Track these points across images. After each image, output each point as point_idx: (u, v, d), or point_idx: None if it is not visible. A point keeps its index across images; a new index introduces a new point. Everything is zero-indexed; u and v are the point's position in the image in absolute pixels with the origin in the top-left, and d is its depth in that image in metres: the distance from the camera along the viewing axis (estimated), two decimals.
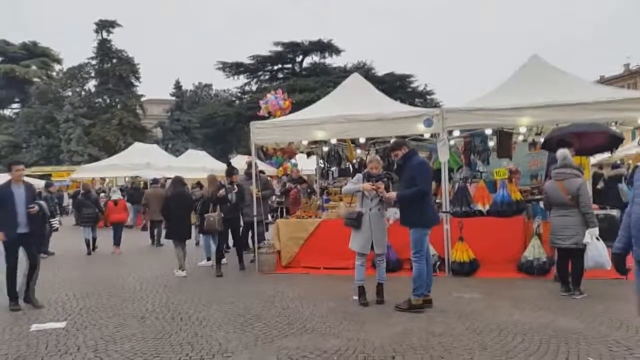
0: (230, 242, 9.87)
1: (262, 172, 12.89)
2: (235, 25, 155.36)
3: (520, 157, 9.61)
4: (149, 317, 5.81)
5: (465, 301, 6.14)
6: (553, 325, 5.04)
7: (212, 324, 5.46)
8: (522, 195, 8.02)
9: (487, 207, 7.91)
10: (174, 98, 48.20)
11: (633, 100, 7.48)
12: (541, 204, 7.36)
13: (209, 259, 9.47)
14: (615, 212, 7.27)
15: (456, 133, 8.66)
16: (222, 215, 8.51)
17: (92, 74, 45.13)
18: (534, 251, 7.30)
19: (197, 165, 21.48)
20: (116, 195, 13.15)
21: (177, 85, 47.67)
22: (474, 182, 8.69)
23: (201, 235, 10.03)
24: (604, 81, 40.02)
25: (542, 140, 8.73)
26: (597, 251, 5.93)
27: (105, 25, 42.26)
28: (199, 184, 14.34)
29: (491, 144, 9.48)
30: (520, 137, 9.92)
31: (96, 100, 44.89)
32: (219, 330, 5.22)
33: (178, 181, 9.32)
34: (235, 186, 8.91)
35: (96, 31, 42.40)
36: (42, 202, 6.75)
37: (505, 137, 9.16)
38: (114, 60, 42.92)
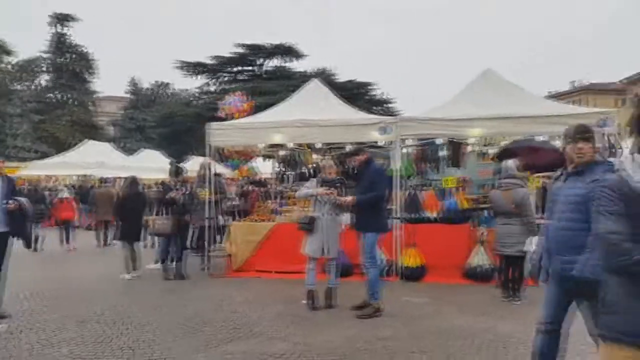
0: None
1: (218, 174, 12.72)
2: (200, 25, 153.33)
3: (471, 167, 9.89)
4: (91, 321, 5.63)
5: (413, 306, 6.26)
6: (493, 329, 5.20)
7: (155, 328, 5.34)
8: (470, 204, 8.26)
9: (437, 214, 8.11)
10: (129, 96, 47.02)
11: (578, 116, 7.85)
12: (486, 213, 7.61)
13: (157, 261, 9.26)
14: None
15: (410, 142, 8.84)
16: (171, 217, 8.26)
17: (45, 69, 43.49)
18: (479, 258, 7.53)
19: (154, 166, 21.02)
20: (64, 194, 12.95)
21: (133, 83, 46.52)
22: (425, 189, 8.88)
23: (155, 237, 9.81)
24: (552, 96, 41.79)
25: (490, 151, 9.02)
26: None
27: (60, 19, 40.78)
28: (163, 184, 14.10)
29: (443, 153, 9.71)
30: (471, 148, 10.21)
31: (48, 95, 43.23)
32: (163, 334, 5.11)
33: (134, 181, 9.11)
34: (184, 188, 8.67)
35: (51, 24, 40.92)
36: (23, 199, 5.99)
37: (456, 147, 9.40)
38: (69, 55, 41.47)
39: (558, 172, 3.29)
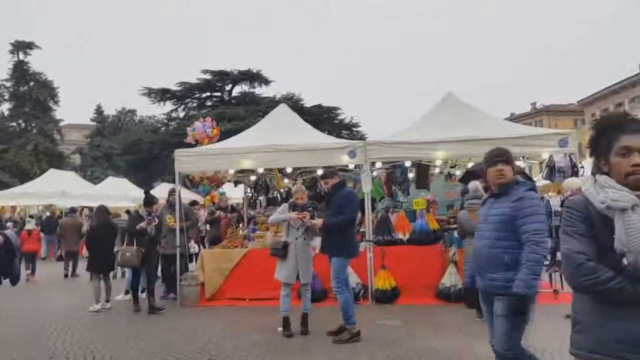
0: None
1: (195, 202, 12.58)
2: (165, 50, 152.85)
3: (438, 188, 10.13)
4: (59, 356, 5.43)
5: (387, 329, 6.28)
6: (469, 349, 5.27)
7: None
8: (439, 225, 8.42)
9: (408, 235, 8.23)
10: (94, 123, 46.28)
11: (538, 137, 8.18)
12: (456, 233, 7.75)
13: (127, 292, 9.04)
14: None
15: (378, 164, 9.00)
16: (140, 249, 7.94)
17: (7, 97, 42.43)
18: (451, 278, 7.64)
19: (118, 194, 20.66)
20: (30, 225, 12.85)
21: (99, 110, 45.93)
22: (395, 211, 9.02)
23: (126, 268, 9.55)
24: (514, 118, 43.23)
25: (457, 172, 9.24)
26: None
27: (22, 47, 40.04)
28: (128, 213, 13.79)
29: (411, 175, 9.93)
30: (437, 170, 10.46)
31: (10, 124, 42.10)
32: None
33: (103, 210, 8.91)
34: (155, 218, 8.37)
35: (12, 52, 40.10)
36: (10, 232, 5.26)
37: (423, 169, 9.65)
38: (31, 83, 40.63)
39: (485, 196, 3.43)
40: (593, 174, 2.00)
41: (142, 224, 7.98)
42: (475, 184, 6.86)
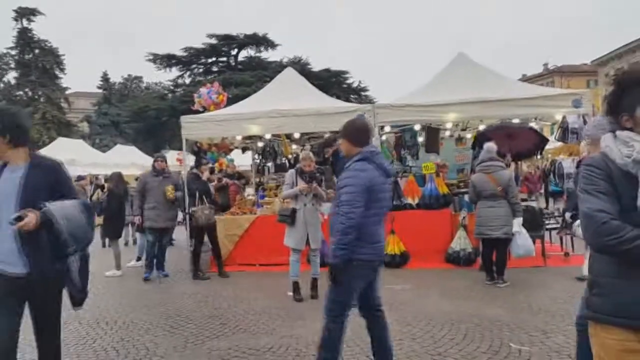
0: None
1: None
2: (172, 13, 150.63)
3: (448, 152, 9.99)
4: (72, 322, 5.51)
5: (396, 293, 6.29)
6: (478, 313, 5.26)
7: (139, 327, 5.26)
8: (449, 189, 8.33)
9: (417, 200, 8.16)
10: (101, 91, 46.08)
11: (551, 97, 7.97)
12: (466, 197, 7.67)
13: (139, 258, 9.15)
14: (534, 204, 7.73)
15: (387, 128, 8.85)
16: (212, 206, 7.91)
17: (12, 65, 42.25)
18: (460, 242, 7.61)
19: (126, 162, 20.70)
20: None
21: (105, 78, 45.64)
22: (404, 176, 8.92)
23: (138, 234, 9.66)
24: (526, 79, 42.36)
25: (468, 136, 9.07)
26: (524, 240, 6.29)
27: (25, 13, 39.56)
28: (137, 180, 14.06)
29: (420, 139, 9.78)
30: (447, 133, 10.29)
31: (17, 93, 42.06)
32: (147, 333, 5.04)
33: (119, 177, 8.98)
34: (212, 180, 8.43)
35: (15, 19, 39.66)
36: (58, 206, 2.74)
37: (432, 133, 9.48)
38: (36, 51, 40.33)
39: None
40: (612, 130, 1.89)
41: (214, 183, 8.29)
42: (490, 146, 6.70)
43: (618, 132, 1.86)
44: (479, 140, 8.08)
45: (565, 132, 7.73)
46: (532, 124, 9.26)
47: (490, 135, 7.61)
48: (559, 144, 8.86)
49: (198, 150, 11.17)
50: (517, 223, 6.32)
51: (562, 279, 6.62)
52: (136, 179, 14.30)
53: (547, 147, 13.53)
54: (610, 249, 1.76)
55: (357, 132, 3.49)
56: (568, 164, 8.07)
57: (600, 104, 7.97)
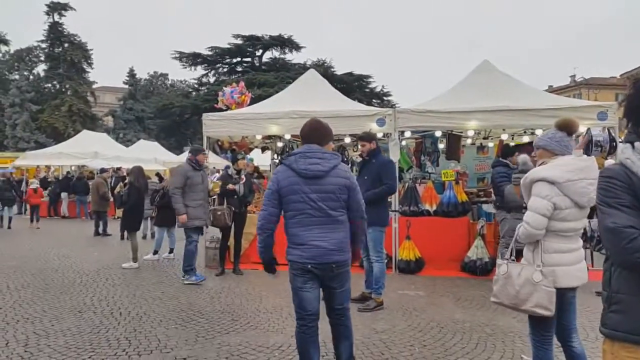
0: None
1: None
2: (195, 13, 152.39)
3: (468, 160, 9.89)
4: (87, 311, 5.61)
5: (409, 298, 6.25)
6: (491, 324, 5.19)
7: (152, 319, 5.32)
8: (468, 197, 8.24)
9: (435, 207, 8.09)
10: (127, 86, 46.84)
11: (576, 109, 7.83)
12: (484, 207, 7.58)
13: (155, 252, 9.26)
14: None
15: (408, 134, 8.80)
16: (230, 207, 7.76)
17: (42, 58, 43.23)
18: (477, 251, 7.52)
19: (148, 157, 21.01)
20: (34, 185, 15.59)
21: (131, 73, 46.37)
22: (423, 182, 8.86)
23: (156, 228, 9.79)
24: (552, 91, 41.74)
25: (490, 144, 8.97)
26: None
27: (57, 8, 40.50)
28: (158, 175, 14.50)
29: (441, 146, 9.70)
30: (469, 141, 10.19)
31: (45, 85, 43.03)
32: (159, 326, 5.09)
33: (140, 171, 9.12)
34: (244, 176, 8.09)
35: (47, 13, 40.61)
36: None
37: (454, 140, 9.40)
38: (66, 45, 41.20)
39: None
40: (630, 141, 1.82)
41: (230, 185, 7.79)
42: (524, 157, 6.62)
43: (637, 144, 1.79)
44: (504, 151, 7.95)
45: (589, 144, 7.57)
46: None
47: (528, 148, 7.49)
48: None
49: (220, 148, 11.27)
50: None
51: (580, 292, 6.46)
52: (157, 174, 14.60)
53: None
54: (637, 266, 1.69)
55: (302, 132, 3.51)
56: None
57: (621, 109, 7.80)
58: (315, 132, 3.47)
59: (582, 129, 8.04)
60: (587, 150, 7.71)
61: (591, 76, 48.48)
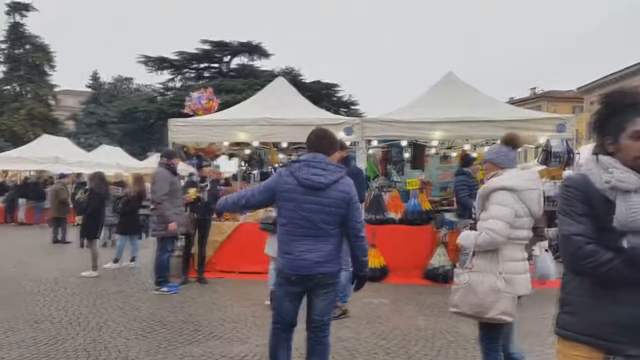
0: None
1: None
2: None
3: (432, 170, 10.07)
4: (44, 322, 5.42)
5: (374, 306, 6.30)
6: (453, 330, 5.28)
7: (112, 329, 5.19)
8: (432, 206, 8.39)
9: (400, 215, 8.20)
10: (90, 90, 45.75)
11: (537, 121, 8.11)
12: (447, 215, 7.74)
13: (116, 260, 9.04)
14: None
15: (374, 143, 8.91)
16: (193, 214, 7.60)
17: (1, 59, 41.77)
18: (440, 259, 7.65)
19: (110, 162, 20.55)
20: None
21: (95, 77, 45.37)
22: (388, 191, 8.97)
23: (118, 235, 9.56)
24: (513, 102, 42.98)
25: (453, 154, 9.16)
26: (544, 263, 6.34)
27: (18, 8, 39.23)
28: (119, 184, 14.06)
29: (406, 155, 9.86)
30: (433, 150, 10.40)
31: (4, 87, 41.53)
32: (119, 336, 4.97)
33: (101, 177, 8.90)
34: (208, 183, 7.91)
35: (8, 13, 39.30)
36: None
37: (418, 150, 9.57)
38: (27, 46, 39.91)
39: None
40: (595, 153, 1.92)
41: (193, 191, 7.59)
42: (522, 166, 6.79)
43: (600, 157, 1.89)
44: (464, 161, 8.13)
45: (548, 155, 7.84)
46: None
47: None
48: (542, 167, 8.97)
49: (186, 154, 11.13)
50: (538, 246, 6.40)
51: (540, 299, 6.63)
52: (117, 183, 14.19)
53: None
54: (589, 271, 1.80)
55: (308, 140, 3.48)
56: (549, 187, 8.17)
57: (583, 129, 8.12)
58: (322, 140, 3.42)
59: (541, 140, 8.32)
60: (546, 161, 7.98)
61: (550, 89, 50.21)
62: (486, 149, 9.59)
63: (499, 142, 3.43)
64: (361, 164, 8.01)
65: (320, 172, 3.25)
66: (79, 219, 9.31)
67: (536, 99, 49.67)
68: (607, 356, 1.81)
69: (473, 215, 3.49)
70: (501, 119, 7.88)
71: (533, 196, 3.17)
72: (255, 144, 10.33)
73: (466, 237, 3.31)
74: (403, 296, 6.86)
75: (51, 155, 19.01)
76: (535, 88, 51.83)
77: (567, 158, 7.73)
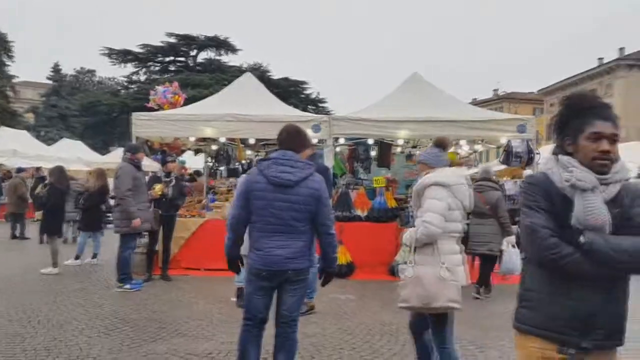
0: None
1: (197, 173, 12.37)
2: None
3: (398, 168, 10.24)
4: (1, 320, 5.26)
5: (340, 302, 6.37)
6: None
7: (74, 327, 5.08)
8: (397, 203, 8.53)
9: (366, 212, 8.30)
10: (51, 82, 44.28)
11: (499, 122, 8.33)
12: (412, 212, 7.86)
13: (77, 257, 8.82)
14: None
15: (342, 141, 8.97)
16: (157, 210, 7.44)
17: None
18: (404, 255, 7.75)
19: (71, 156, 20.00)
20: None
21: (56, 69, 43.88)
22: (355, 188, 9.06)
23: (81, 232, 9.33)
24: (476, 103, 43.97)
25: (417, 152, 9.31)
26: (510, 257, 6.54)
27: None
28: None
29: (373, 153, 9.98)
30: (399, 149, 10.56)
31: None
32: (81, 334, 4.87)
33: (61, 171, 8.64)
34: (173, 178, 7.80)
35: None
36: None
37: (385, 148, 9.70)
38: None
39: None
40: (555, 153, 2.02)
41: (159, 187, 7.44)
42: (487, 166, 6.98)
43: (560, 156, 1.98)
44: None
45: (509, 155, 8.07)
46: (479, 147, 9.63)
47: None
48: (503, 166, 9.24)
49: (150, 149, 10.93)
50: (506, 242, 6.60)
51: (505, 295, 6.84)
52: (88, 174, 13.78)
53: (496, 169, 14.12)
54: (552, 263, 1.89)
55: (279, 137, 3.49)
56: (510, 186, 8.43)
57: (543, 130, 8.41)
58: (292, 137, 3.44)
59: (503, 140, 8.56)
60: (507, 161, 8.22)
61: (512, 91, 51.56)
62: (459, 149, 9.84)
63: (430, 144, 3.69)
64: (329, 161, 8.07)
65: (289, 170, 3.28)
66: (38, 215, 9.03)
67: (499, 100, 50.91)
68: (561, 348, 1.91)
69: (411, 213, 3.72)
70: (465, 119, 8.08)
71: (463, 190, 3.42)
72: (222, 139, 10.24)
73: (409, 235, 3.45)
74: (369, 292, 6.96)
75: (9, 148, 18.37)
76: (497, 89, 53.13)
77: (528, 158, 7.97)
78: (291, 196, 3.26)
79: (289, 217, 3.27)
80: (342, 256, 7.84)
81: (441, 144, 3.64)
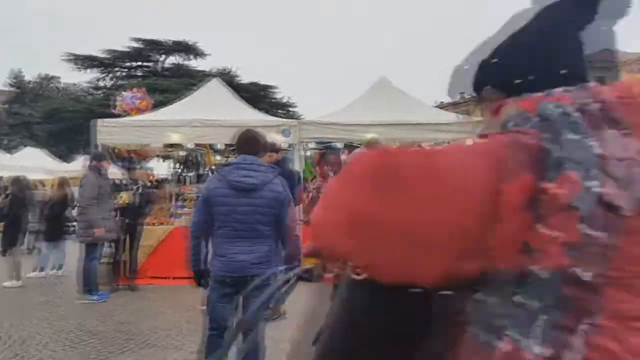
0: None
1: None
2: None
3: None
4: None
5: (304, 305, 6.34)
6: None
7: (38, 342, 4.93)
8: None
9: None
10: (12, 89, 43.01)
11: (462, 124, 8.49)
12: None
13: (41, 269, 8.57)
14: None
15: (312, 145, 9.00)
16: (124, 219, 7.36)
17: None
18: None
19: (34, 165, 19.42)
20: None
21: (18, 75, 42.68)
22: None
23: (43, 242, 9.06)
24: (443, 107, 44.66)
25: None
26: None
27: None
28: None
29: (343, 157, 10.01)
30: None
31: None
32: (45, 348, 4.74)
33: (22, 182, 8.40)
34: (140, 186, 7.73)
35: None
36: None
37: (353, 151, 9.74)
38: None
39: None
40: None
41: (124, 195, 7.36)
42: None
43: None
44: None
45: None
46: None
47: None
48: None
49: (115, 156, 10.71)
50: None
51: None
52: (47, 185, 13.46)
53: None
54: None
55: (237, 142, 3.49)
56: None
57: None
58: (251, 142, 3.44)
59: (469, 142, 8.72)
60: None
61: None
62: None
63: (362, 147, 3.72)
64: (298, 165, 8.07)
65: (251, 174, 3.28)
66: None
67: (465, 104, 51.88)
68: None
69: None
70: (431, 122, 8.22)
71: None
72: (191, 145, 10.13)
73: None
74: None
75: None
76: (463, 92, 54.19)
77: None
78: (255, 199, 3.27)
79: (254, 220, 3.27)
80: (312, 260, 7.84)
81: (372, 146, 3.63)
